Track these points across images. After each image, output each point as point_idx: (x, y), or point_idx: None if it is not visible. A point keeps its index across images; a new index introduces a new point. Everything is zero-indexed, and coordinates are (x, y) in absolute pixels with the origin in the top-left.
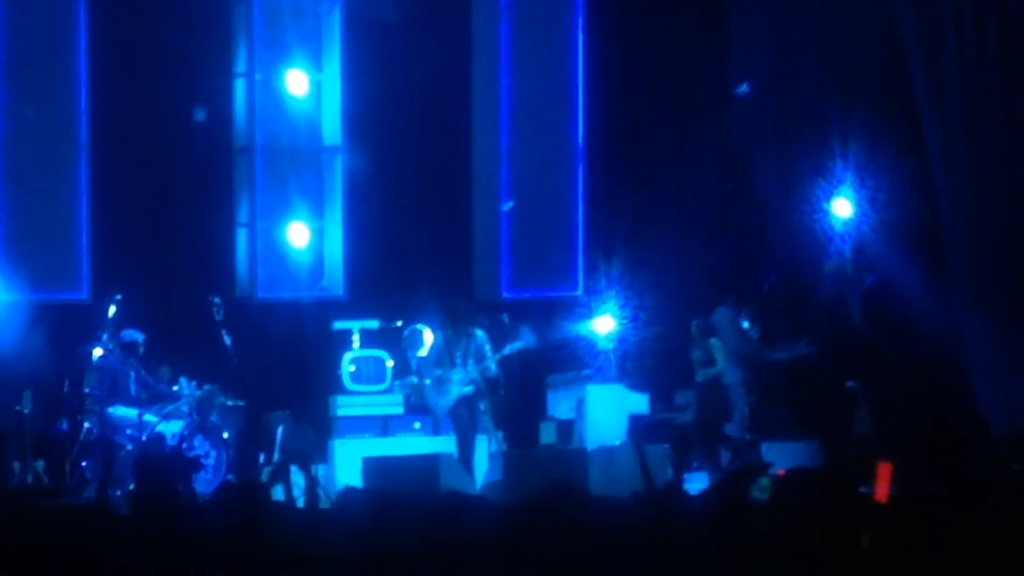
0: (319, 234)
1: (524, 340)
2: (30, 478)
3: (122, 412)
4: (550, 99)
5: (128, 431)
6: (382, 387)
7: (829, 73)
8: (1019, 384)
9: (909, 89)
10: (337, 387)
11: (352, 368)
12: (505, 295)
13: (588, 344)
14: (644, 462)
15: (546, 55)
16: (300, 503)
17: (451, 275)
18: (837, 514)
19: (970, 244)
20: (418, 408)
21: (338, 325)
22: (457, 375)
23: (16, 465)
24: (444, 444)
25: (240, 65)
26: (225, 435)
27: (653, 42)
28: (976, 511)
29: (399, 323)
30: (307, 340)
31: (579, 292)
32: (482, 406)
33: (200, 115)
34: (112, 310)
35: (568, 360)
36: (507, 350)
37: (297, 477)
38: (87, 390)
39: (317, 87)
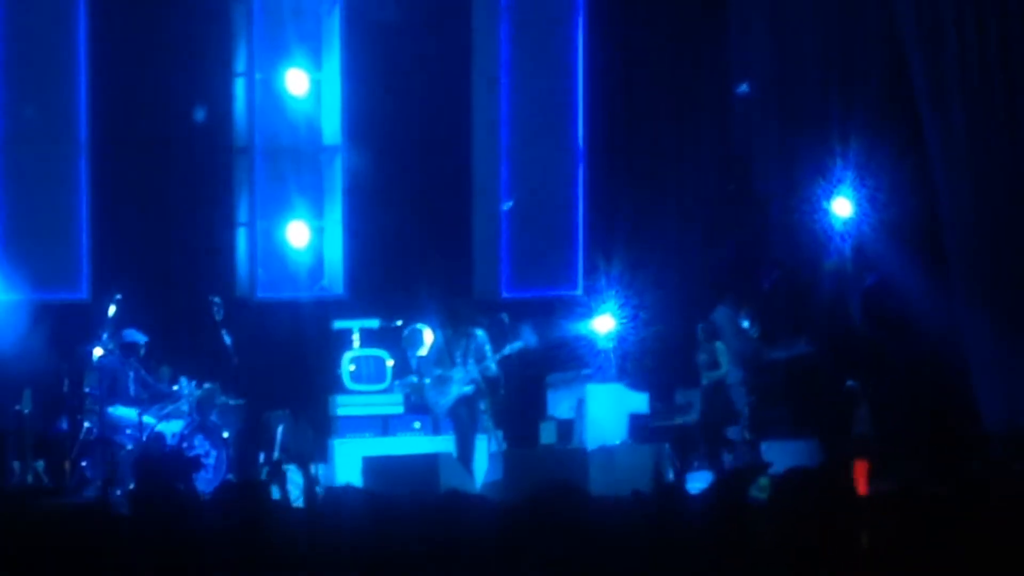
0: (319, 234)
1: (525, 339)
2: (30, 478)
3: (122, 412)
4: (550, 99)
5: (128, 431)
6: (382, 386)
7: (830, 73)
8: (1019, 384)
9: (910, 89)
10: (337, 386)
11: (352, 367)
12: (505, 294)
13: (588, 343)
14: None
15: (546, 55)
16: (297, 502)
17: (451, 274)
18: (836, 513)
19: (970, 244)
20: (418, 407)
21: (338, 324)
22: (457, 374)
23: (16, 465)
24: (444, 444)
25: (240, 64)
26: (225, 434)
27: (653, 41)
28: (975, 511)
29: (399, 322)
30: (307, 340)
31: (579, 291)
32: (482, 405)
33: (200, 114)
34: (112, 309)
35: (568, 359)
36: (507, 350)
37: (296, 476)
38: (87, 390)
39: (317, 87)
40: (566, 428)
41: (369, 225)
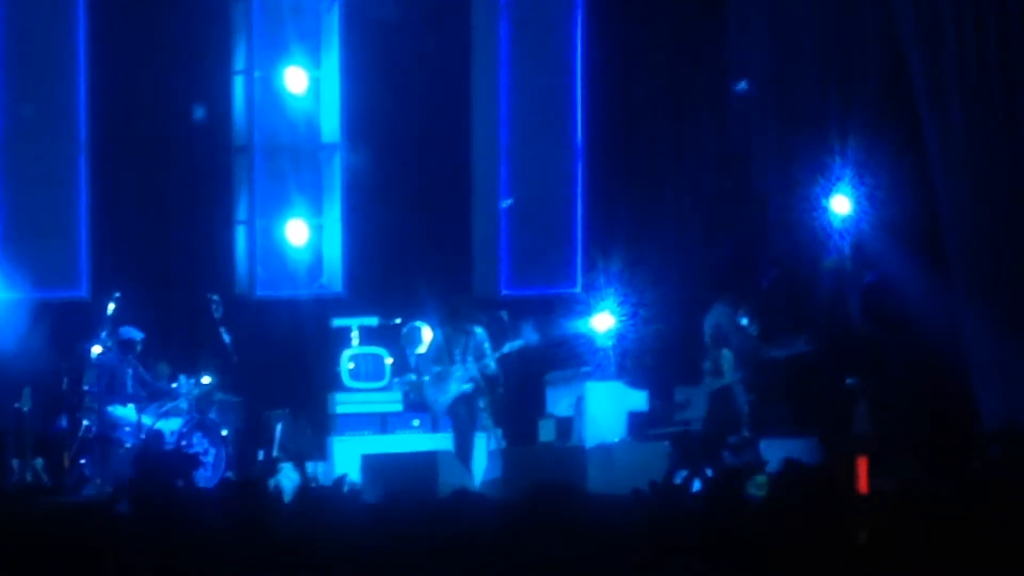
0: (318, 232)
1: (526, 337)
2: (29, 476)
3: (121, 410)
4: (549, 97)
5: (127, 429)
6: (381, 384)
7: (829, 71)
8: (1019, 382)
9: (909, 87)
10: (336, 384)
11: (351, 365)
12: (504, 292)
13: (587, 341)
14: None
15: (545, 53)
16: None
17: (450, 272)
18: (834, 511)
19: (969, 241)
20: (417, 405)
21: (337, 322)
22: (456, 372)
23: (15, 463)
24: (443, 441)
25: (239, 62)
26: (224, 432)
27: (652, 40)
28: (974, 510)
29: (398, 320)
30: (306, 337)
31: (578, 289)
32: (481, 403)
33: (199, 113)
34: (111, 308)
35: (567, 357)
36: (506, 348)
37: (292, 473)
38: (86, 388)
39: (316, 84)
40: (565, 426)
41: (368, 223)
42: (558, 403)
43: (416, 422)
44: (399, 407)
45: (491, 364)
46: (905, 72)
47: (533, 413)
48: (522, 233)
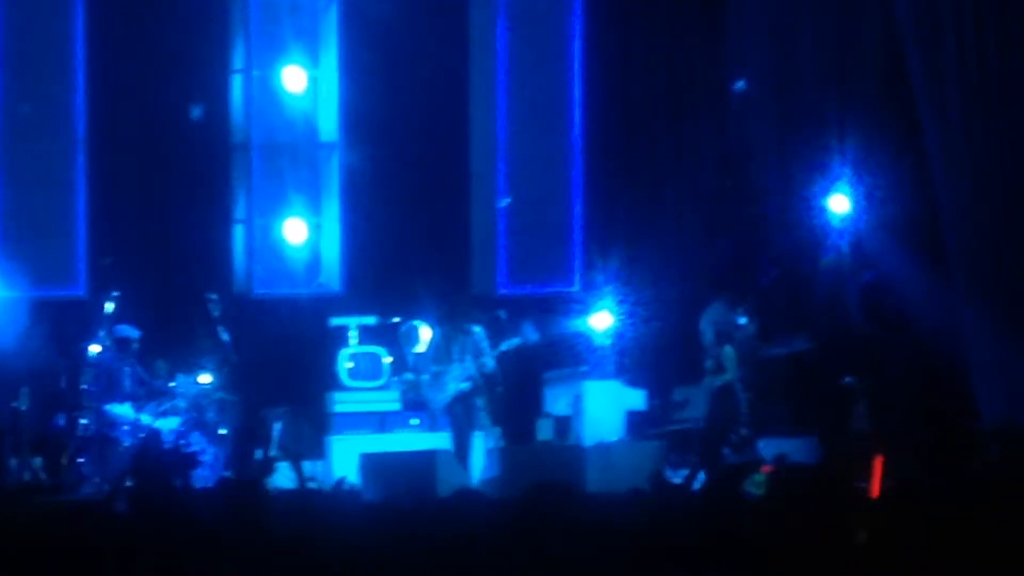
0: (316, 230)
1: (527, 336)
2: (27, 475)
3: (119, 409)
4: (547, 95)
5: (125, 428)
6: (379, 383)
7: (828, 70)
8: (1018, 381)
9: (908, 87)
10: (334, 383)
11: (349, 364)
12: (502, 291)
13: (585, 340)
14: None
15: (543, 51)
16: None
17: (448, 271)
18: (833, 510)
19: (969, 241)
20: (415, 404)
21: (335, 321)
22: (454, 371)
23: (13, 462)
24: (441, 441)
25: (237, 61)
26: (222, 432)
27: (651, 38)
28: (973, 508)
29: (396, 319)
30: (304, 336)
31: (576, 288)
32: (479, 403)
33: (197, 111)
34: (109, 307)
35: (565, 356)
36: (504, 346)
37: (290, 473)
38: (84, 387)
39: (314, 83)
40: (563, 425)
41: (366, 222)
42: (556, 402)
43: (414, 421)
44: (397, 406)
45: (489, 362)
46: (904, 72)
47: (531, 412)
48: (520, 232)
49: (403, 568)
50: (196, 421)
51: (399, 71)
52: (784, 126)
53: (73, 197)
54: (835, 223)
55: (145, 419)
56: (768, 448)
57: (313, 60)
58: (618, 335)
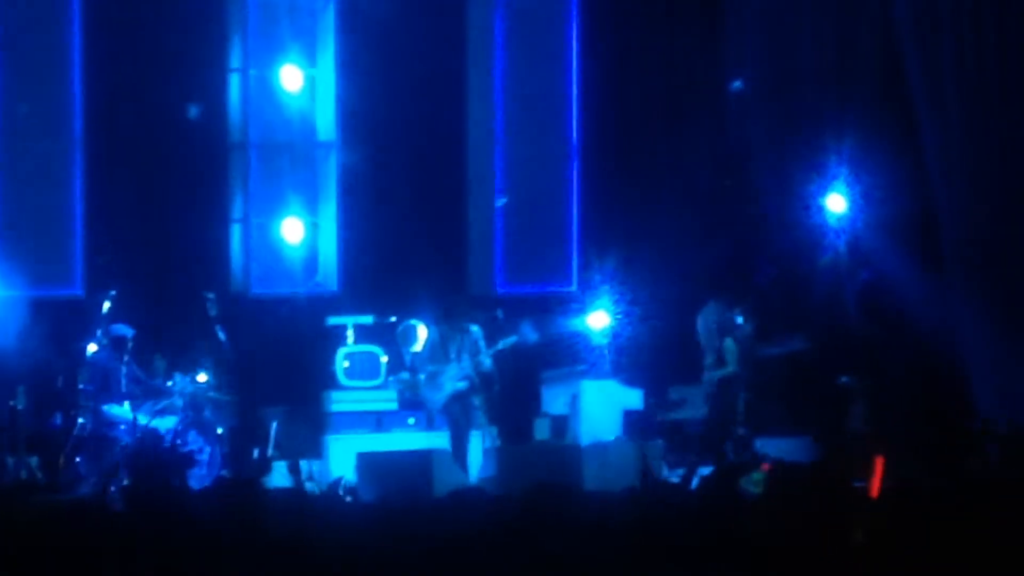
0: (313, 230)
1: (526, 335)
2: (24, 474)
3: (116, 408)
4: (545, 94)
5: (122, 427)
6: (376, 383)
7: (825, 69)
8: (1015, 381)
9: (906, 87)
10: (331, 382)
11: (346, 363)
12: (500, 290)
13: (583, 339)
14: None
15: (541, 50)
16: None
17: (446, 270)
18: (830, 509)
19: (966, 240)
20: (412, 404)
21: (332, 320)
22: (451, 371)
23: (10, 461)
24: (438, 440)
25: (234, 60)
26: (219, 431)
27: (648, 37)
28: (971, 507)
29: (393, 319)
30: (301, 336)
31: (574, 287)
32: (476, 402)
33: (194, 111)
34: (106, 306)
35: (563, 355)
36: (501, 344)
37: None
38: (81, 386)
39: (312, 83)
40: (560, 424)
41: (364, 221)
42: (554, 401)
43: (411, 420)
44: (394, 405)
45: (486, 361)
46: (902, 71)
47: (528, 411)
48: (517, 231)
49: (399, 567)
50: (193, 420)
51: (396, 70)
52: (782, 126)
53: (70, 196)
54: (833, 223)
55: (142, 418)
56: (766, 448)
57: (311, 59)
58: (615, 334)
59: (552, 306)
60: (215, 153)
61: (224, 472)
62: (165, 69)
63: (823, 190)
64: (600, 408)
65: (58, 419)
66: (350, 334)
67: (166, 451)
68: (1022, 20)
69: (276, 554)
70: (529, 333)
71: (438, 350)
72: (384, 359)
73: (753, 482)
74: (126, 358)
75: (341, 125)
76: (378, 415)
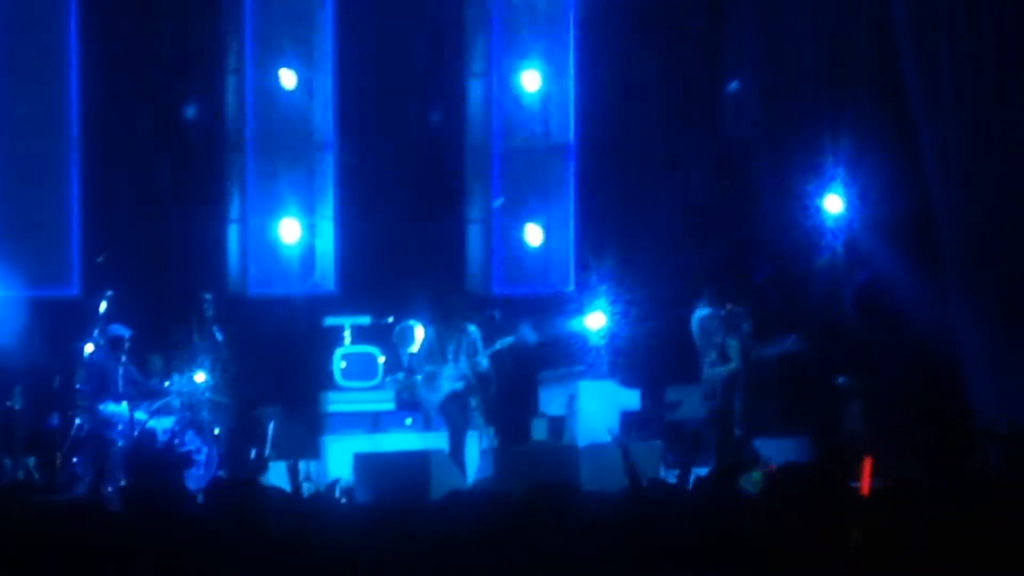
0: (311, 230)
1: (523, 336)
2: (21, 474)
3: (113, 408)
4: (542, 94)
5: (119, 427)
6: (373, 383)
7: (822, 69)
8: (1012, 380)
9: (903, 87)
10: (328, 383)
11: (343, 364)
12: (497, 291)
13: (580, 340)
14: (630, 461)
15: (538, 50)
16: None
17: (443, 271)
18: (828, 508)
19: (963, 240)
20: (409, 404)
21: (329, 321)
22: (448, 371)
23: (7, 461)
24: (435, 440)
25: (232, 61)
26: (216, 431)
27: (646, 37)
28: (970, 508)
29: (390, 319)
30: (298, 336)
31: (571, 288)
32: (473, 402)
33: (192, 111)
34: (103, 306)
35: (560, 356)
36: (498, 344)
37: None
38: (78, 386)
39: (309, 83)
40: (558, 425)
41: (361, 221)
42: (551, 402)
43: (408, 421)
44: (391, 406)
45: (483, 362)
46: (899, 72)
47: (526, 412)
48: (515, 231)
49: (396, 568)
50: (190, 420)
51: (394, 70)
52: (780, 126)
53: (67, 196)
54: (831, 223)
55: (139, 418)
56: (764, 448)
57: (308, 59)
58: (612, 335)
59: (549, 307)
60: (212, 153)
61: (221, 472)
62: (163, 69)
63: (821, 190)
64: (597, 409)
65: (55, 419)
66: (347, 335)
67: (163, 451)
68: (1020, 20)
69: (274, 554)
70: (526, 334)
71: (435, 351)
72: (381, 359)
73: (752, 482)
74: (123, 358)
75: (338, 125)
76: (375, 416)
